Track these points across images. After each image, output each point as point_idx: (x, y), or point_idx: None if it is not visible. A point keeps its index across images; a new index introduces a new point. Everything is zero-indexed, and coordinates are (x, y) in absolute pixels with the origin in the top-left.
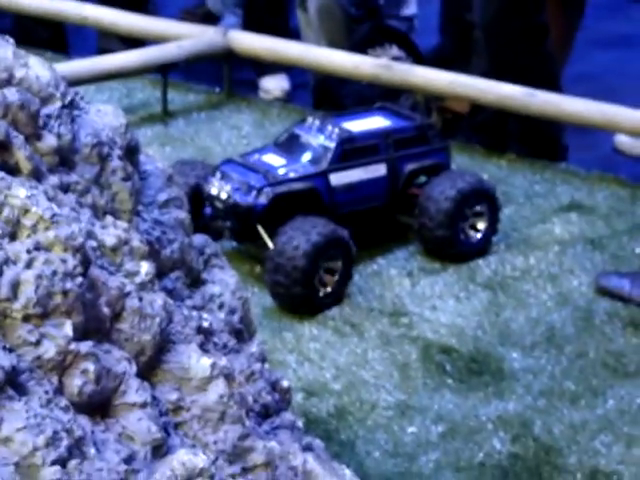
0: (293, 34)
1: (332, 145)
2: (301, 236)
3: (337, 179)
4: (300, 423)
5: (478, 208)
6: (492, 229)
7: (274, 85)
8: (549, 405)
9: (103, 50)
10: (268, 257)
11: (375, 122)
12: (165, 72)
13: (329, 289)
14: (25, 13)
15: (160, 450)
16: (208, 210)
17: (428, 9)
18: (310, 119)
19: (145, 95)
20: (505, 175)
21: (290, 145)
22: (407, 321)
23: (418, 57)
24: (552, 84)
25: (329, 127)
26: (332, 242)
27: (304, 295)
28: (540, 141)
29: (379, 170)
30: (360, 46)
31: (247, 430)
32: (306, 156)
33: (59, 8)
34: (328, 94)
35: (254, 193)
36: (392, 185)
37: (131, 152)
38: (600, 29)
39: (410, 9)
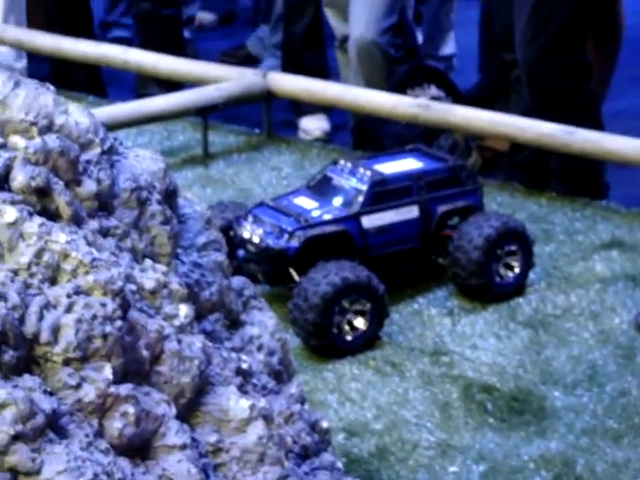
0: (332, 75)
1: (364, 188)
2: (322, 278)
3: (369, 222)
4: (340, 464)
5: (510, 248)
6: (527, 265)
7: (314, 126)
8: (591, 444)
9: (141, 94)
10: (292, 298)
11: (407, 164)
12: (205, 114)
13: (359, 331)
14: (68, 58)
15: None
16: (241, 253)
17: (467, 48)
18: (342, 161)
19: (186, 137)
20: (546, 213)
21: (322, 188)
22: (448, 360)
23: (457, 96)
24: (595, 122)
25: (361, 169)
26: (354, 284)
27: (323, 336)
28: (580, 179)
29: (412, 212)
30: (399, 86)
31: (286, 471)
32: (338, 199)
33: (102, 52)
34: (368, 134)
35: (286, 236)
36: (424, 227)
37: (170, 196)
38: (638, 65)
39: (449, 48)
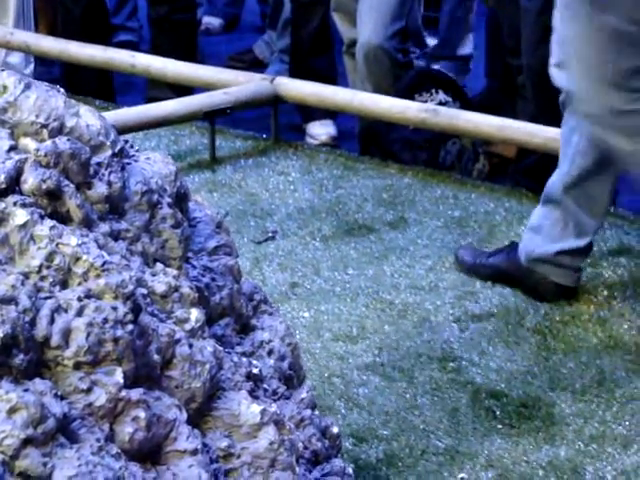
0: (340, 79)
1: None
2: None
3: None
4: (350, 469)
5: None
6: None
7: (321, 131)
8: (600, 450)
9: (152, 98)
10: None
11: None
12: (212, 119)
13: None
14: (75, 62)
15: None
16: None
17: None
18: None
19: (193, 142)
20: None
21: None
22: (456, 366)
23: (465, 101)
24: None
25: None
26: None
27: None
28: None
29: None
30: (407, 92)
31: (297, 477)
32: None
33: (109, 56)
34: (375, 140)
35: None
36: None
37: (180, 199)
38: None
39: (467, 48)
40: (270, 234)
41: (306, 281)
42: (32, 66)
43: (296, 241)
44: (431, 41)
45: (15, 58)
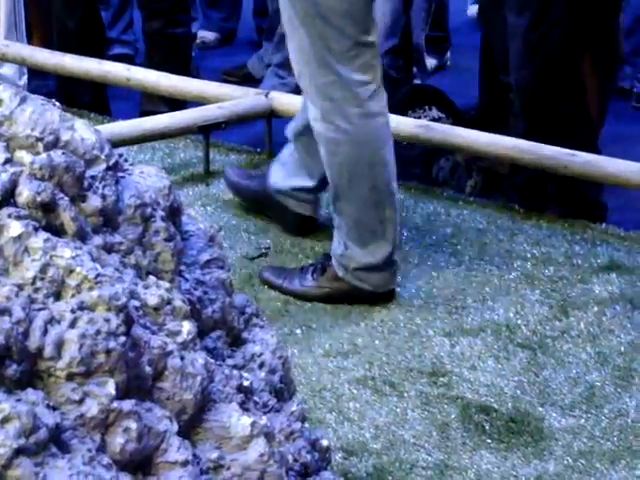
0: None
1: None
2: None
3: None
4: None
5: None
6: None
7: None
8: (589, 465)
9: (146, 112)
10: None
11: None
12: (207, 132)
13: None
14: (70, 75)
15: None
16: None
17: (468, 71)
18: None
19: (187, 155)
20: (544, 235)
21: None
22: (446, 381)
23: (458, 118)
24: (590, 146)
25: None
26: None
27: None
28: (579, 201)
29: None
30: (400, 107)
31: None
32: None
33: (105, 70)
34: None
35: None
36: None
37: (174, 213)
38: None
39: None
40: (263, 250)
41: (299, 299)
42: (25, 78)
43: (289, 258)
44: (432, 61)
45: (8, 70)
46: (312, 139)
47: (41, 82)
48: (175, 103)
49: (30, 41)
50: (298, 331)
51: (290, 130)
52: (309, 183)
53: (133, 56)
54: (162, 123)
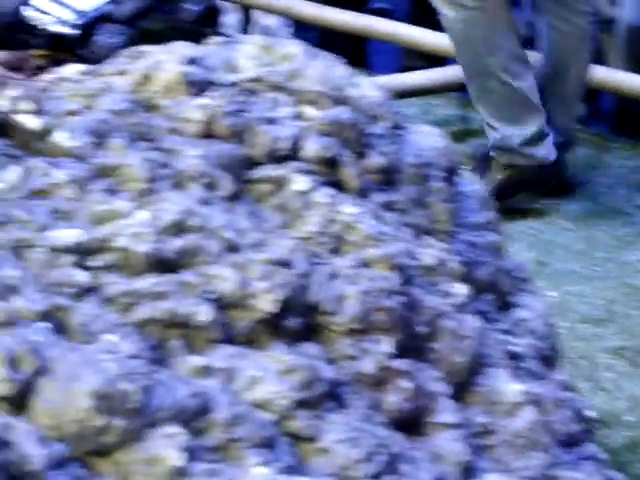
0: None
1: None
2: None
3: None
4: (603, 455)
5: None
6: None
7: None
8: None
9: (406, 68)
10: None
11: None
12: (466, 91)
13: None
14: (331, 27)
15: (470, 472)
16: None
17: None
18: None
19: (446, 112)
20: None
21: None
22: None
23: None
24: None
25: None
26: None
27: None
28: None
29: None
30: None
31: (553, 459)
32: None
33: (367, 23)
34: (631, 120)
35: None
36: None
37: (451, 173)
38: None
39: None
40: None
41: (554, 261)
42: (291, 30)
43: (547, 221)
44: None
45: (273, 21)
46: None
47: (303, 34)
48: (434, 59)
49: None
50: (554, 294)
51: None
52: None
53: (392, 11)
54: (422, 79)
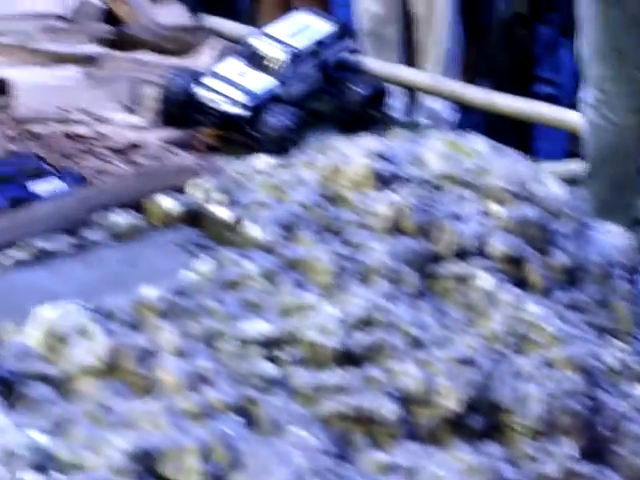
0: None
1: None
2: None
3: None
4: None
5: None
6: None
7: None
8: None
9: (571, 154)
10: None
11: None
12: None
13: None
14: (499, 113)
15: None
16: None
17: None
18: None
19: None
20: None
21: None
22: None
23: None
24: None
25: None
26: None
27: None
28: None
29: None
30: None
31: None
32: None
33: (541, 112)
34: None
35: None
36: None
37: (632, 273)
38: None
39: None
40: None
41: None
42: (456, 114)
43: None
44: None
45: (438, 105)
46: None
47: (469, 118)
48: None
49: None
50: None
51: None
52: None
53: (558, 97)
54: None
